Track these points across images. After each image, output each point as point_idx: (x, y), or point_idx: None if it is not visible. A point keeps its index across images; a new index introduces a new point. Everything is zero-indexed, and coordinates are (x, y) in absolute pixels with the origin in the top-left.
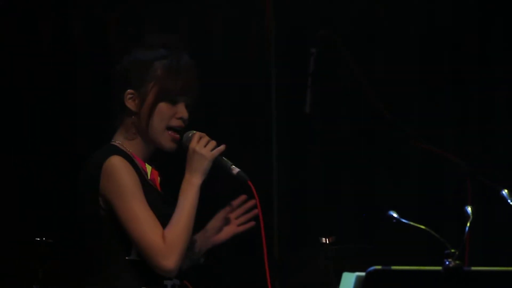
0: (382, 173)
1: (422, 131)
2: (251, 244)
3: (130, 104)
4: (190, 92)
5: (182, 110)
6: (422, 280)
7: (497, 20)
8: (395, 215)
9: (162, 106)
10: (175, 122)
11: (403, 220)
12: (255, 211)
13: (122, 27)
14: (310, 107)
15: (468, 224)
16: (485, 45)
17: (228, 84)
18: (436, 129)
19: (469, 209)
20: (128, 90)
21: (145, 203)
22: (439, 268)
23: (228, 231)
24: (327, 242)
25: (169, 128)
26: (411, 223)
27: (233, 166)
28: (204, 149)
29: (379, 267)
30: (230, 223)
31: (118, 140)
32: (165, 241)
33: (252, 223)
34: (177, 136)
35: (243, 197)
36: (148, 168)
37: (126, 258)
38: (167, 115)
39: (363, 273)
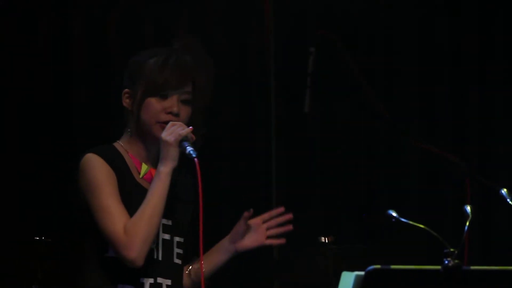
0: (382, 173)
1: (422, 131)
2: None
3: (126, 103)
4: (180, 86)
5: (172, 104)
6: (422, 280)
7: (497, 20)
8: (394, 214)
9: (151, 101)
10: (165, 117)
11: (403, 220)
12: (289, 226)
13: (121, 27)
14: (309, 107)
15: (468, 224)
16: (485, 45)
17: (228, 84)
18: (436, 129)
19: (468, 208)
20: (125, 90)
21: (114, 197)
22: (439, 267)
23: (255, 240)
24: (327, 241)
25: (159, 123)
26: (411, 222)
27: (189, 147)
28: (168, 136)
29: (378, 266)
30: (259, 232)
31: (121, 140)
32: (125, 231)
33: (282, 241)
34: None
35: (280, 209)
36: (144, 168)
37: (104, 255)
38: (156, 110)
39: (362, 272)
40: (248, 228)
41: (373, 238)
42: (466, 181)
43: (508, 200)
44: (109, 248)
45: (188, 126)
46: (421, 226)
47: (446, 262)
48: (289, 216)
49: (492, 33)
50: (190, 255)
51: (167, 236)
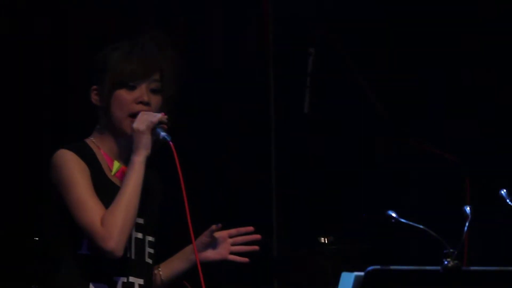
0: (381, 173)
1: (422, 131)
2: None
3: (95, 100)
4: (147, 75)
5: (141, 94)
6: (421, 280)
7: (496, 19)
8: (394, 215)
9: (120, 93)
10: (136, 107)
11: (402, 220)
12: (255, 247)
13: (120, 26)
14: (309, 107)
15: (467, 224)
16: (485, 44)
17: (227, 84)
18: (436, 129)
19: (468, 208)
20: (92, 87)
21: (89, 190)
22: (438, 267)
23: (218, 253)
24: (327, 242)
25: (131, 115)
26: (410, 223)
27: (162, 132)
28: (140, 124)
29: (378, 266)
30: (224, 247)
31: (93, 136)
32: (102, 223)
33: (245, 260)
34: None
35: (249, 228)
36: (116, 165)
37: (77, 252)
38: (126, 101)
39: (362, 273)
40: (213, 241)
41: (373, 238)
42: (466, 181)
43: (508, 200)
44: (82, 245)
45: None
46: (421, 226)
47: (446, 262)
48: (256, 236)
49: (490, 32)
50: (158, 255)
51: (139, 235)
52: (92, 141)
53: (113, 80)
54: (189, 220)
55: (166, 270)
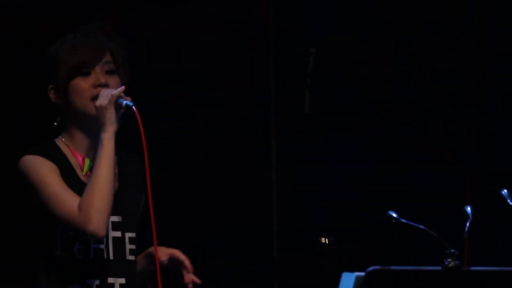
0: (382, 173)
1: (422, 131)
2: (248, 244)
3: (54, 98)
4: (98, 58)
5: (97, 77)
6: (422, 280)
7: (495, 17)
8: (394, 215)
9: (75, 83)
10: (95, 91)
11: (403, 220)
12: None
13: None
14: (309, 107)
15: (468, 224)
16: (485, 44)
17: (227, 84)
18: (436, 129)
19: (469, 209)
20: (49, 86)
21: (59, 185)
22: (439, 268)
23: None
24: (327, 242)
25: (93, 98)
26: (411, 223)
27: (124, 100)
28: (103, 100)
29: (378, 266)
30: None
31: (62, 135)
32: (79, 208)
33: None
34: None
35: (197, 281)
36: (87, 164)
37: (54, 254)
38: (84, 88)
39: (362, 273)
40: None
41: (373, 238)
42: (466, 181)
43: (508, 200)
44: (58, 247)
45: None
46: (421, 226)
47: (446, 262)
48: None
49: (491, 30)
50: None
51: (117, 234)
52: (62, 140)
53: (66, 72)
54: (151, 214)
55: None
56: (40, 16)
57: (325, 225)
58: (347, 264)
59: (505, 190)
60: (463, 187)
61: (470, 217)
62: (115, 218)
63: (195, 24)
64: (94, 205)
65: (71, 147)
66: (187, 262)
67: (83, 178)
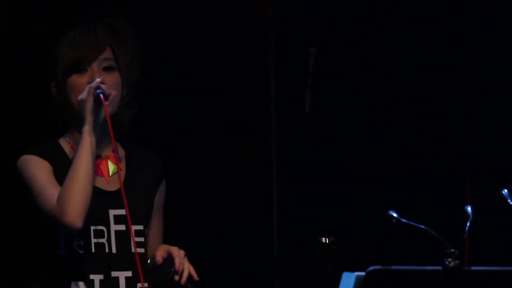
0: (382, 173)
1: (422, 131)
2: (248, 244)
3: (56, 95)
4: (94, 55)
5: (92, 75)
6: (422, 280)
7: (496, 19)
8: (395, 215)
9: (72, 80)
10: None
11: (403, 220)
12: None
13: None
14: (310, 107)
15: (468, 224)
16: (485, 44)
17: (227, 84)
18: (436, 129)
19: (469, 209)
20: (52, 83)
21: (46, 181)
22: (439, 267)
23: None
24: (327, 242)
25: None
26: (411, 223)
27: (98, 90)
28: (82, 94)
29: (379, 266)
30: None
31: (66, 134)
32: (57, 200)
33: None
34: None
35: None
36: None
37: (56, 253)
38: (80, 86)
39: (363, 273)
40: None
41: (373, 238)
42: (466, 181)
43: (509, 200)
44: (61, 246)
45: (120, 96)
46: (422, 226)
47: (447, 262)
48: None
49: (492, 32)
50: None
51: (121, 227)
52: (65, 139)
53: (63, 69)
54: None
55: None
56: (40, 16)
57: (325, 225)
58: (347, 264)
59: (505, 190)
60: (463, 187)
61: (471, 217)
62: (118, 212)
63: (195, 24)
64: (71, 197)
65: (73, 145)
66: (177, 260)
67: None
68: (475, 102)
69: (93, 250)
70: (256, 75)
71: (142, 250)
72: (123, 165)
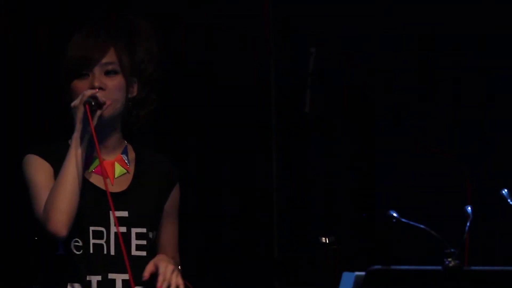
0: (382, 173)
1: (422, 131)
2: (248, 244)
3: (65, 97)
4: (95, 59)
5: (93, 80)
6: (422, 280)
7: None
8: (395, 214)
9: (75, 84)
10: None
11: (403, 220)
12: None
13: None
14: (309, 107)
15: (468, 224)
16: (485, 45)
17: (227, 84)
18: (436, 129)
19: (469, 208)
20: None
21: (43, 185)
22: (439, 267)
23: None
24: (327, 241)
25: None
26: (411, 222)
27: (89, 99)
28: (75, 100)
29: (379, 266)
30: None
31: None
32: (44, 207)
33: None
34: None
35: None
36: (96, 162)
37: (55, 254)
38: (81, 90)
39: (362, 273)
40: None
41: (373, 238)
42: (466, 181)
43: (509, 200)
44: (59, 246)
45: (132, 97)
46: (422, 226)
47: (447, 262)
48: None
49: (491, 32)
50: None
51: (121, 229)
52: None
53: (65, 74)
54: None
55: None
56: (40, 16)
57: (325, 225)
58: (347, 264)
59: (505, 190)
60: (463, 187)
61: (471, 216)
62: (120, 214)
63: (195, 24)
64: (56, 205)
65: None
66: (160, 278)
67: (86, 176)
68: (475, 102)
69: (91, 251)
70: (256, 75)
71: (143, 253)
72: (131, 168)
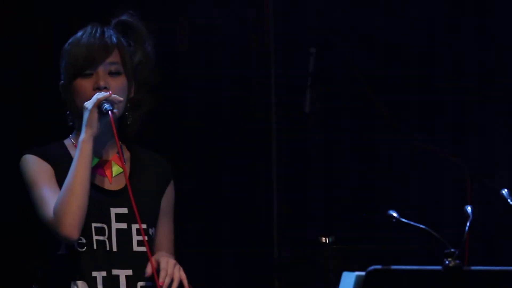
0: (382, 173)
1: (422, 130)
2: (248, 244)
3: (63, 95)
4: (100, 59)
5: (97, 80)
6: (422, 280)
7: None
8: (395, 214)
9: (77, 83)
10: (94, 94)
11: (403, 220)
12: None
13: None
14: (309, 107)
15: (468, 224)
16: (484, 46)
17: (228, 84)
18: (436, 128)
19: (469, 208)
20: (60, 83)
21: (47, 187)
22: (439, 267)
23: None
24: (327, 242)
25: None
26: (411, 222)
27: (106, 104)
28: (88, 102)
29: (379, 266)
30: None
31: (72, 136)
32: (53, 211)
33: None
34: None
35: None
36: (94, 161)
37: (57, 253)
38: (85, 90)
39: (363, 273)
40: None
41: (373, 238)
42: (466, 181)
43: (509, 200)
44: (61, 246)
45: (129, 98)
46: (422, 226)
47: (447, 262)
48: None
49: (490, 33)
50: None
51: (122, 225)
52: (71, 140)
53: (69, 71)
54: (134, 205)
55: None
56: (40, 16)
57: (325, 225)
58: (347, 264)
59: (505, 190)
60: (463, 187)
61: (471, 216)
62: (120, 210)
63: (195, 24)
64: (68, 210)
65: (76, 145)
66: (162, 274)
67: None
68: (475, 102)
69: (95, 247)
70: (256, 75)
71: (144, 249)
72: (127, 167)
